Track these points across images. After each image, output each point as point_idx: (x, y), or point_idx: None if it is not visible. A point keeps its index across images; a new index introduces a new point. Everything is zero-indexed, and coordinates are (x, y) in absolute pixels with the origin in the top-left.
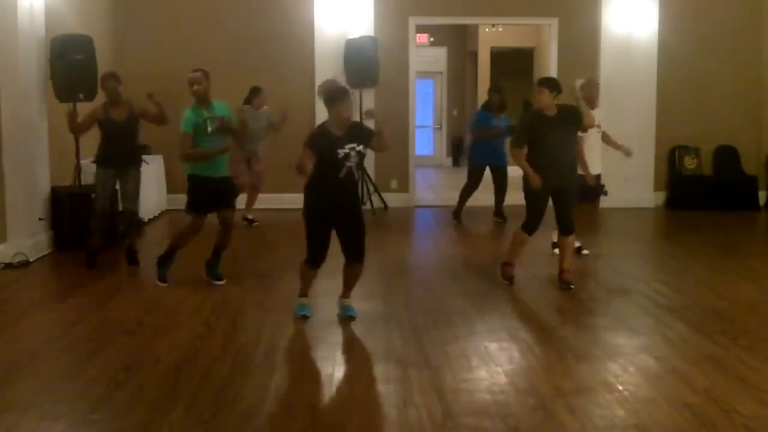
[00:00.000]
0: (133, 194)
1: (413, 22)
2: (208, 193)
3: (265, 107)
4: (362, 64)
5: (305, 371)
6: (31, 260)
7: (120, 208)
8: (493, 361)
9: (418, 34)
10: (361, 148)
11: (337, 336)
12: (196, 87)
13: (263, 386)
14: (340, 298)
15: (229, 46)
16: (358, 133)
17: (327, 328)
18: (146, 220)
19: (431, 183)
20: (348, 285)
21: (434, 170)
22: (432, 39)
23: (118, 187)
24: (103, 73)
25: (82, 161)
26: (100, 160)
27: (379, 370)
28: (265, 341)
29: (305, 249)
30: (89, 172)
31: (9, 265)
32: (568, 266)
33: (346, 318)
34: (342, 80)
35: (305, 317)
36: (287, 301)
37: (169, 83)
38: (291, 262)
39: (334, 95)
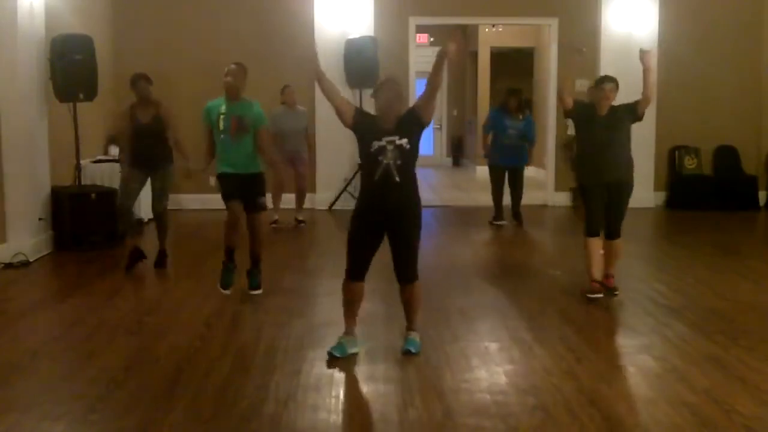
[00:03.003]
0: (159, 195)
1: (413, 22)
2: (234, 184)
3: (299, 107)
4: (362, 64)
5: (305, 371)
6: (31, 260)
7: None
8: (493, 361)
9: (418, 34)
10: (404, 142)
11: (337, 336)
12: (226, 79)
13: (263, 386)
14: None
15: (229, 46)
16: (408, 126)
17: (327, 328)
18: (146, 220)
19: (431, 183)
20: (405, 311)
21: (434, 170)
22: (432, 39)
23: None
24: (134, 73)
25: (81, 161)
26: (129, 160)
27: (379, 370)
28: (265, 341)
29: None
30: (89, 172)
31: (9, 265)
32: (613, 271)
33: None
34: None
35: (331, 356)
36: (287, 302)
37: (169, 83)
38: (291, 262)
39: (375, 88)
